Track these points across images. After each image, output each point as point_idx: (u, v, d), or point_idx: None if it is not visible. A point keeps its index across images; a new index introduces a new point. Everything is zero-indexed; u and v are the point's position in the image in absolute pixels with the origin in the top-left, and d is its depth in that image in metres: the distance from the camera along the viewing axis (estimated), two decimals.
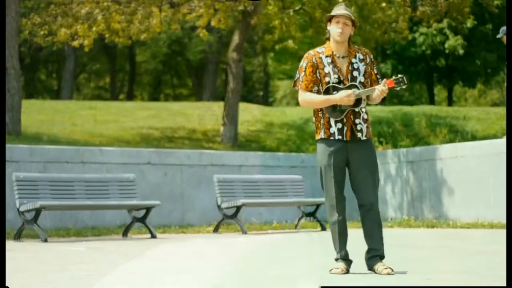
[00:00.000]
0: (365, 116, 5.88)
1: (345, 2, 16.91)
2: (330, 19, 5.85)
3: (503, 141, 12.98)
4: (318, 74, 5.84)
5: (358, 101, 5.78)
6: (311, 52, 5.92)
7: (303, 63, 5.87)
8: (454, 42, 27.18)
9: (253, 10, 17.63)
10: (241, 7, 17.15)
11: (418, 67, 29.85)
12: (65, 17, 16.97)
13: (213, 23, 17.68)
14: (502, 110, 21.92)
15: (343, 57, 5.84)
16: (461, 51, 27.15)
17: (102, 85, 46.83)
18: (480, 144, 13.62)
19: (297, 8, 18.96)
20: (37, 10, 25.49)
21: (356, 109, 5.81)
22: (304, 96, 5.86)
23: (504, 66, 28.21)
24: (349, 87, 5.78)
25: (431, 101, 31.48)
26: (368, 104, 5.96)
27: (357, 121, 5.83)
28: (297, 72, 5.91)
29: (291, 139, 19.29)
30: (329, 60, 5.82)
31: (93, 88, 47.07)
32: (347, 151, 5.81)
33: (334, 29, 5.81)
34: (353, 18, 5.81)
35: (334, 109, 5.79)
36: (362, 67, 5.84)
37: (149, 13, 17.05)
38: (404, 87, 5.76)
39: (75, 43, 17.19)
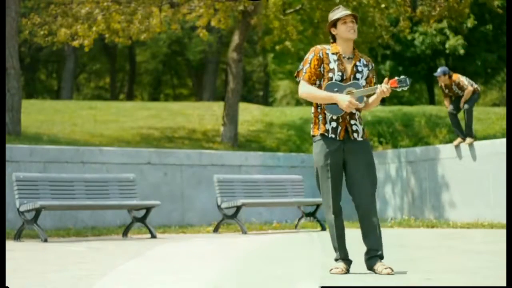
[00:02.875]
0: (358, 117, 5.88)
1: (342, 4, 16.96)
2: (334, 24, 5.86)
3: (503, 141, 12.99)
4: (322, 69, 5.85)
5: (359, 99, 5.79)
6: (318, 46, 5.93)
7: (309, 55, 5.88)
8: (454, 42, 27.18)
9: (253, 10, 17.64)
10: (241, 7, 17.15)
11: (418, 67, 29.84)
12: (65, 17, 16.97)
13: (213, 23, 17.68)
14: (502, 110, 21.92)
15: (348, 58, 5.86)
16: (461, 51, 27.15)
17: (102, 85, 46.84)
18: (480, 144, 13.62)
19: (297, 8, 18.96)
20: (37, 10, 25.50)
21: (353, 110, 5.82)
22: (306, 88, 5.84)
23: (504, 66, 28.24)
24: (351, 85, 5.78)
25: (431, 101, 31.48)
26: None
27: (352, 121, 5.83)
28: (301, 63, 5.92)
29: (291, 139, 19.29)
30: (335, 57, 5.84)
31: (93, 88, 47.08)
32: (344, 151, 5.81)
33: (343, 29, 5.83)
34: (357, 16, 5.89)
35: (335, 105, 5.78)
36: (365, 71, 5.87)
37: (149, 13, 17.06)
38: (406, 88, 5.74)
39: (75, 43, 17.19)
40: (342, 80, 5.80)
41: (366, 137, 5.91)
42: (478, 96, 13.59)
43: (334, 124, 5.81)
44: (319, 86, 5.83)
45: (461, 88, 13.34)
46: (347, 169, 5.83)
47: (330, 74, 5.80)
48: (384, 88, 5.72)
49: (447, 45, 27.47)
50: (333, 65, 5.82)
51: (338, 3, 17.05)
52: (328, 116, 5.81)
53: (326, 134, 5.80)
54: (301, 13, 19.26)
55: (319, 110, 5.86)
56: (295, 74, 5.98)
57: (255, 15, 17.70)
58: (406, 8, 17.37)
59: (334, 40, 5.91)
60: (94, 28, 16.84)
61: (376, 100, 5.84)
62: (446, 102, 13.81)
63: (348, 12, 5.85)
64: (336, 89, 5.77)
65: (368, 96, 5.88)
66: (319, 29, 18.34)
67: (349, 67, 5.84)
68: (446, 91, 13.52)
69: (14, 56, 15.32)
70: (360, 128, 5.85)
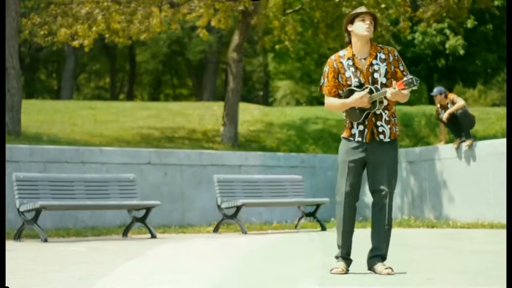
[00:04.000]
0: (387, 118, 5.86)
1: (342, 3, 16.94)
2: (352, 20, 5.85)
3: (503, 141, 12.99)
4: (340, 79, 5.86)
5: (374, 104, 5.77)
6: (332, 57, 5.94)
7: (326, 68, 5.93)
8: (454, 42, 27.18)
9: (253, 10, 17.64)
10: (241, 7, 17.15)
11: (418, 67, 29.84)
12: (65, 17, 16.97)
13: (213, 23, 17.68)
14: (502, 110, 21.94)
15: (364, 59, 5.83)
16: (461, 51, 27.15)
17: (102, 85, 46.85)
18: (480, 144, 13.62)
19: (297, 8, 18.96)
20: (37, 10, 25.51)
21: (377, 112, 5.81)
22: (327, 101, 5.96)
23: (504, 66, 28.24)
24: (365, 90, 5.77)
25: (431, 101, 31.45)
26: (399, 103, 5.95)
27: (378, 123, 5.82)
28: (322, 77, 5.97)
29: (291, 139, 19.29)
30: (350, 62, 5.83)
31: (93, 88, 47.08)
32: (366, 151, 5.81)
33: (360, 26, 5.81)
34: (375, 17, 5.86)
35: (354, 111, 5.81)
36: (383, 68, 5.80)
37: (149, 13, 17.05)
38: (415, 88, 5.67)
39: (75, 43, 17.19)
40: (360, 86, 5.81)
41: (394, 137, 5.86)
42: (469, 117, 13.68)
43: (361, 127, 5.84)
44: (340, 96, 5.89)
45: (454, 103, 13.64)
46: (368, 167, 5.85)
47: (349, 83, 5.84)
48: (393, 92, 5.65)
49: (447, 45, 27.47)
50: (349, 73, 5.83)
51: (338, 3, 17.06)
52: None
53: (352, 139, 5.85)
54: (301, 13, 19.26)
55: (345, 116, 5.93)
56: (318, 90, 6.06)
57: (255, 15, 17.69)
58: (406, 8, 17.37)
59: (350, 41, 5.90)
60: (94, 28, 16.84)
61: (396, 98, 5.73)
62: (442, 127, 14.32)
63: (366, 9, 5.87)
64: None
65: (384, 98, 5.80)
66: (319, 29, 18.34)
67: (364, 68, 5.81)
68: (442, 112, 13.71)
69: (14, 56, 15.32)
70: (387, 128, 5.83)
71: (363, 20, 5.81)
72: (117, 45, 30.43)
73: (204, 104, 25.79)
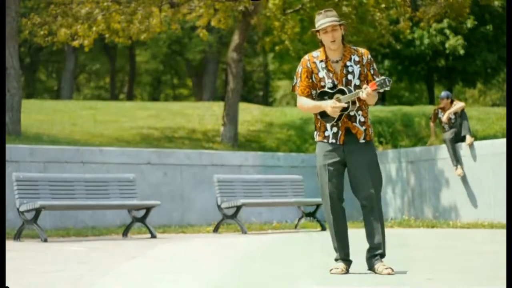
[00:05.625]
0: (362, 119, 5.83)
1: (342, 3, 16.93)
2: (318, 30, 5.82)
3: (503, 141, 12.99)
4: (313, 79, 5.85)
5: (345, 108, 5.75)
6: (306, 57, 5.91)
7: (299, 68, 5.90)
8: (454, 42, 27.17)
9: (253, 10, 17.63)
10: (241, 7, 17.14)
11: (418, 67, 29.83)
12: (65, 17, 16.96)
13: (213, 23, 17.67)
14: (502, 110, 21.94)
15: (337, 61, 5.82)
16: (461, 51, 27.14)
17: (102, 85, 46.86)
18: (480, 144, 13.62)
19: (297, 8, 18.96)
20: (37, 10, 25.52)
21: (351, 113, 5.80)
22: (300, 101, 5.93)
23: (504, 66, 28.24)
24: (338, 92, 5.76)
25: (431, 101, 31.46)
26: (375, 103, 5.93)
27: (352, 124, 5.81)
28: (295, 77, 5.93)
29: (291, 139, 19.29)
30: (323, 65, 5.82)
31: (93, 88, 47.10)
32: (344, 153, 5.80)
33: (325, 39, 5.77)
34: (338, 22, 5.74)
35: (325, 114, 5.80)
36: (357, 70, 5.80)
37: (149, 13, 17.05)
38: (387, 89, 5.66)
39: (75, 43, 17.19)
40: (333, 87, 5.79)
41: (369, 139, 5.85)
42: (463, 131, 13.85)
43: (335, 129, 5.82)
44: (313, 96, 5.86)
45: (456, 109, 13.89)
46: (348, 170, 5.82)
47: (322, 83, 5.82)
48: (365, 93, 5.62)
49: (447, 45, 27.46)
50: (322, 73, 5.81)
51: (338, 2, 17.05)
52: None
53: (326, 141, 5.82)
54: (301, 13, 19.25)
55: (318, 117, 5.89)
56: (291, 89, 6.01)
57: (255, 15, 17.69)
58: (406, 8, 17.37)
59: (322, 44, 5.87)
60: (94, 28, 16.84)
61: (369, 100, 5.72)
62: (432, 127, 14.56)
63: (327, 22, 5.71)
64: (326, 97, 5.79)
65: (357, 100, 5.80)
66: None
67: (338, 70, 5.80)
68: (442, 114, 13.96)
69: (14, 56, 15.32)
70: (361, 130, 5.81)
71: (325, 33, 5.74)
72: (117, 45, 30.45)
73: (204, 104, 25.79)
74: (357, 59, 5.82)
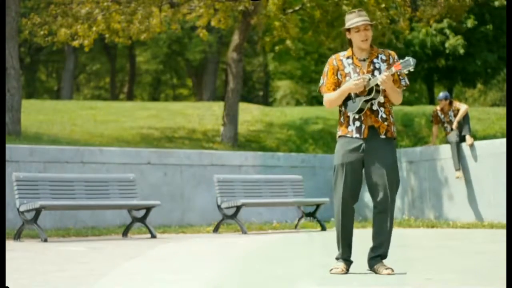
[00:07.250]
0: (384, 116, 5.84)
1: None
2: (349, 29, 5.84)
3: (503, 141, 12.99)
4: (339, 75, 5.87)
5: (370, 92, 5.76)
6: (332, 56, 5.99)
7: (325, 68, 5.96)
8: (454, 42, 27.17)
9: (253, 10, 17.63)
10: (241, 7, 17.14)
11: (418, 67, 29.81)
12: (65, 17, 16.96)
13: (213, 23, 17.67)
14: (502, 110, 21.95)
15: (364, 60, 5.85)
16: (461, 51, 27.14)
17: (102, 85, 46.85)
18: (480, 144, 13.62)
19: (297, 8, 18.96)
20: (37, 10, 25.53)
21: (374, 107, 5.78)
22: (325, 97, 5.92)
23: (504, 66, 28.24)
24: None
25: (431, 101, 31.46)
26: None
27: (376, 118, 5.81)
28: (321, 77, 5.96)
29: (291, 139, 19.29)
30: (350, 61, 5.86)
31: (93, 88, 47.10)
32: (364, 151, 5.79)
33: (356, 38, 5.81)
34: (370, 22, 5.79)
35: (350, 102, 5.79)
36: (383, 67, 5.83)
37: (149, 13, 17.05)
38: (411, 69, 5.64)
39: (75, 43, 17.19)
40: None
41: (390, 135, 5.86)
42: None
43: (357, 123, 5.82)
44: None
45: (457, 110, 13.94)
46: (366, 168, 5.81)
47: (347, 78, 5.83)
48: (383, 76, 5.66)
49: (447, 45, 27.46)
50: (348, 69, 5.85)
51: (338, 2, 17.06)
52: (351, 116, 5.82)
53: (349, 135, 5.82)
54: (301, 13, 19.25)
55: (341, 112, 5.90)
56: (318, 90, 6.03)
57: (255, 15, 17.69)
58: (406, 8, 17.37)
59: (351, 44, 5.89)
60: (94, 28, 16.84)
61: (389, 91, 5.74)
62: (435, 129, 14.46)
63: (361, 20, 5.77)
64: (353, 95, 5.80)
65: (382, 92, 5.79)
66: (319, 28, 18.31)
67: (365, 66, 5.82)
68: (442, 116, 13.99)
69: (14, 56, 15.32)
70: (384, 124, 5.82)
71: (358, 32, 5.79)
72: (117, 45, 30.46)
73: (204, 104, 25.79)
74: (384, 57, 5.88)
